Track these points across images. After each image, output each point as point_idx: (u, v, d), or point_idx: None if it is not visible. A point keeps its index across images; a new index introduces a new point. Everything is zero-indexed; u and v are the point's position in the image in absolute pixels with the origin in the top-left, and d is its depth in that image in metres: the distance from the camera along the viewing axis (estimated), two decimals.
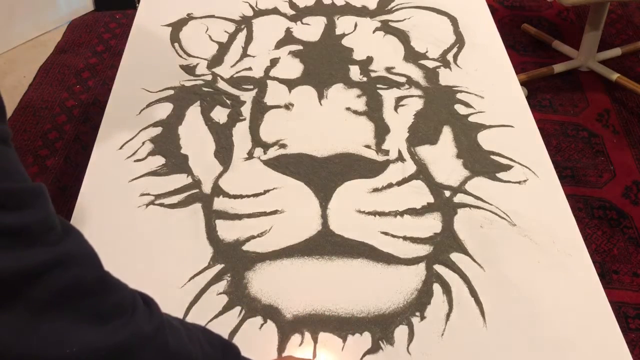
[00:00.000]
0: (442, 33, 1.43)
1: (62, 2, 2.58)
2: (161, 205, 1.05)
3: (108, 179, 1.10)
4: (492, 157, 1.13)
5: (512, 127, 1.19)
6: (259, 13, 1.49)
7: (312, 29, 1.43)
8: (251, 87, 1.27)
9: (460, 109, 1.23)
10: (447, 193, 1.06)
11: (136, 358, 0.56)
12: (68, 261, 0.53)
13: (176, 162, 1.12)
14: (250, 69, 1.32)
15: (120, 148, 1.16)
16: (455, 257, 0.97)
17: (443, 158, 1.13)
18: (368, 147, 1.13)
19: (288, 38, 1.40)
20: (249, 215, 1.02)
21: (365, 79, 1.28)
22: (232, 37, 1.42)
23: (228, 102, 1.24)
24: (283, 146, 1.13)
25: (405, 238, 0.99)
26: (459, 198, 1.06)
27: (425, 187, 1.07)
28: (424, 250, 0.98)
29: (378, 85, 1.27)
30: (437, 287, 0.93)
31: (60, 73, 2.36)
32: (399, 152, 1.13)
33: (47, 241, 0.52)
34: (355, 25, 1.44)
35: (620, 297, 1.61)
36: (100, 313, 0.54)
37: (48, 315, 0.51)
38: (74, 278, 0.53)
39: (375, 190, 1.05)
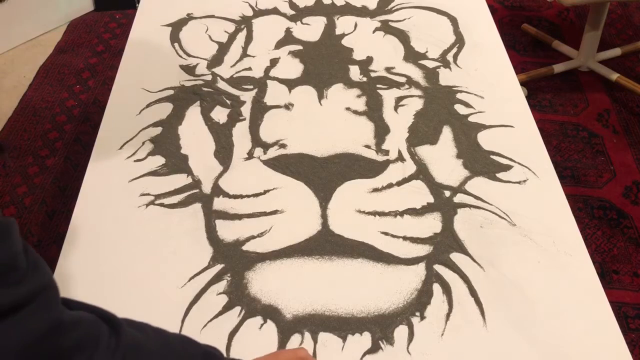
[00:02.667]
0: (442, 33, 1.43)
1: (62, 2, 2.58)
2: (161, 205, 1.05)
3: (108, 179, 1.10)
4: (492, 157, 1.13)
5: (512, 127, 1.19)
6: (259, 13, 1.49)
7: (312, 29, 1.43)
8: (251, 87, 1.27)
9: (460, 109, 1.23)
10: (447, 193, 1.06)
11: None
12: (23, 306, 0.50)
13: (176, 162, 1.12)
14: (250, 69, 1.32)
15: (120, 148, 1.16)
16: (455, 257, 0.97)
17: (443, 158, 1.13)
18: (368, 147, 1.13)
19: (288, 38, 1.40)
20: (249, 215, 1.02)
21: (365, 79, 1.28)
22: (232, 37, 1.42)
23: (228, 102, 1.24)
24: (283, 146, 1.13)
25: (405, 238, 0.99)
26: (459, 198, 1.06)
27: (425, 187, 1.07)
28: (424, 250, 0.98)
29: (378, 85, 1.27)
30: (437, 287, 0.93)
31: (60, 73, 2.36)
32: (399, 152, 1.13)
33: (4, 283, 0.49)
34: (355, 25, 1.44)
35: (620, 297, 1.61)
36: (58, 356, 0.52)
37: None
38: (28, 324, 0.50)
39: (375, 190, 1.05)
